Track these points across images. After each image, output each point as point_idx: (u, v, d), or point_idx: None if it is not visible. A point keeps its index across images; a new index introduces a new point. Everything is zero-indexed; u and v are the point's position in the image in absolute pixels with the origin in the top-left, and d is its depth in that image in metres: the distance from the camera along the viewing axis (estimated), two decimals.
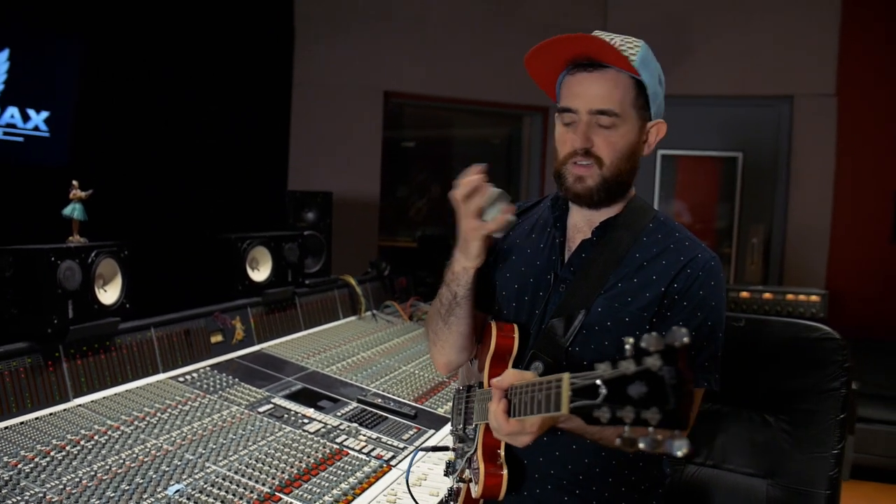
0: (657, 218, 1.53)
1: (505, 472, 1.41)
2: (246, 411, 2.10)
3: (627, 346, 0.92)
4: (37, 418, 1.86)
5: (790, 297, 4.36)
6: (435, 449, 1.83)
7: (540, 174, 5.20)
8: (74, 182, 2.23)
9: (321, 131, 4.55)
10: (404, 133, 5.24)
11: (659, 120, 1.48)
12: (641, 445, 0.89)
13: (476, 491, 1.42)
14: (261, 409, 2.13)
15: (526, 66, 1.52)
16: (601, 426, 0.95)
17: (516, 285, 1.57)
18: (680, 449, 0.87)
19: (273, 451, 1.87)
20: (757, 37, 4.87)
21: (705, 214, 5.20)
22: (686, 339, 0.87)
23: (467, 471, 1.49)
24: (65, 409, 1.93)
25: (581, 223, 1.54)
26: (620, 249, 1.46)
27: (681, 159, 5.13)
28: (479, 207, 1.40)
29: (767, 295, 4.38)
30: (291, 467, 1.80)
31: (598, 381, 0.95)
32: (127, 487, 1.61)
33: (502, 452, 1.42)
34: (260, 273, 2.84)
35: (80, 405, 1.97)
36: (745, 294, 4.41)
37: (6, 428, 1.78)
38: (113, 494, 1.57)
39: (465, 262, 1.47)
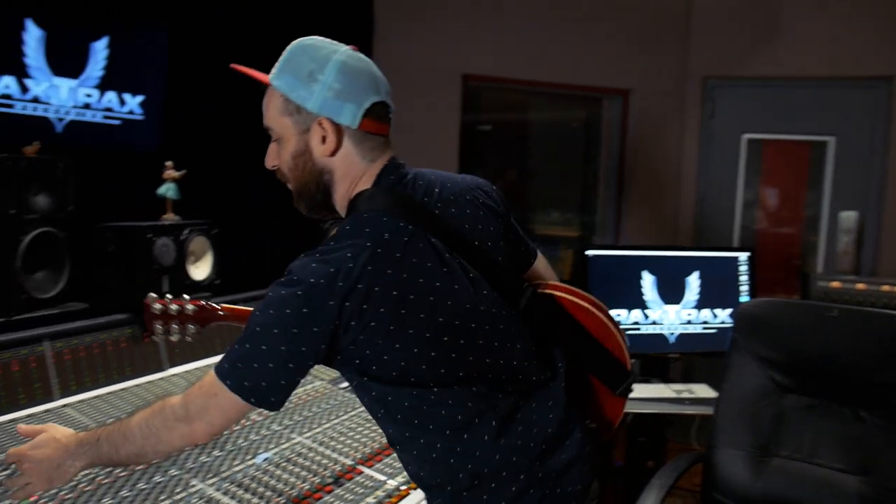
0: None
1: None
2: (329, 386, 2.16)
3: None
4: (136, 385, 1.96)
5: (885, 288, 4.14)
6: None
7: (619, 159, 5.11)
8: (168, 163, 2.33)
9: (399, 115, 4.57)
10: (481, 117, 5.23)
11: (319, 116, 1.26)
12: None
13: None
14: (342, 385, 2.19)
15: None
16: None
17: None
18: None
19: (355, 426, 1.92)
20: (852, 15, 4.63)
21: (793, 201, 5.01)
22: None
23: None
24: (161, 378, 2.03)
25: None
26: None
27: (767, 143, 4.94)
28: None
29: (860, 286, 4.18)
30: (373, 441, 1.85)
31: None
32: (219, 453, 1.68)
33: None
34: None
35: (174, 374, 2.07)
36: (835, 284, 4.22)
37: (109, 393, 1.90)
38: (206, 459, 1.65)
39: None
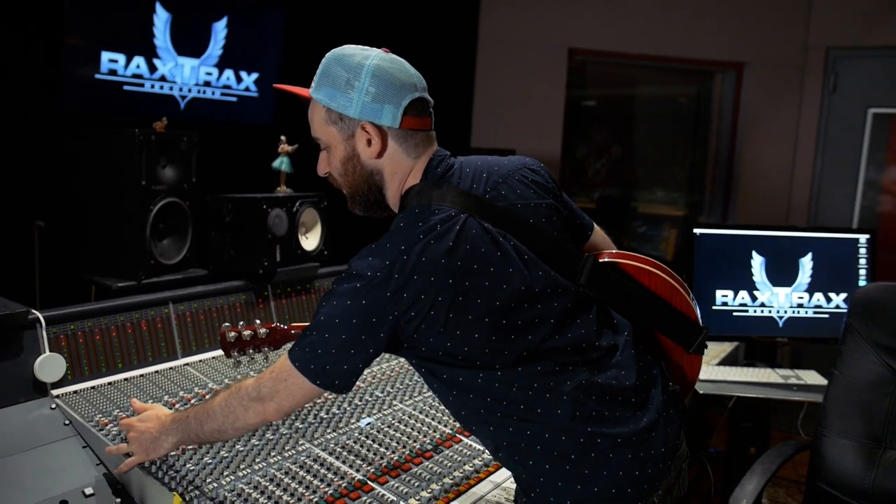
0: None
1: None
2: None
3: None
4: None
5: None
6: None
7: (731, 136, 4.91)
8: (283, 137, 2.43)
9: (505, 89, 4.58)
10: (586, 92, 5.14)
11: (361, 121, 1.32)
12: None
13: None
14: None
15: None
16: None
17: None
18: None
19: None
20: None
21: None
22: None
23: None
24: None
25: None
26: None
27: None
28: None
29: None
30: None
31: None
32: (325, 416, 1.78)
33: None
34: None
35: None
36: None
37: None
38: (313, 421, 1.75)
39: None
